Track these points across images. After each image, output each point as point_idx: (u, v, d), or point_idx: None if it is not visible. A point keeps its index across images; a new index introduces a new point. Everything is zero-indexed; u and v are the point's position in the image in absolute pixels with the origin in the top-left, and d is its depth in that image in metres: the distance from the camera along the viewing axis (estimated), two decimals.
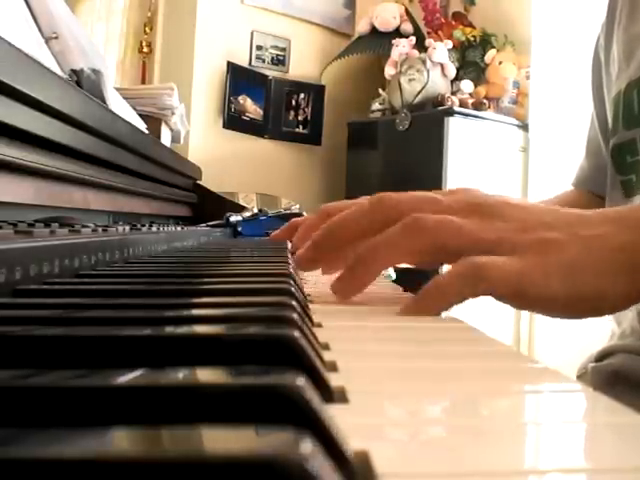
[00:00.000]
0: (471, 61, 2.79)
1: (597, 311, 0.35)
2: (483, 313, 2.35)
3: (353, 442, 0.13)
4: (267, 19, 2.92)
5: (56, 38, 0.79)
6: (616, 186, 0.68)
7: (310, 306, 0.36)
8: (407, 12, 3.00)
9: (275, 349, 0.18)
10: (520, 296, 0.33)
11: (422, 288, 0.35)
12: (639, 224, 0.35)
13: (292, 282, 0.35)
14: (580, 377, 0.71)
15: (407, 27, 2.95)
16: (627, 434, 0.16)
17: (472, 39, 2.79)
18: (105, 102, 0.84)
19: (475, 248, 0.34)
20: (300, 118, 3.04)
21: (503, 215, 0.36)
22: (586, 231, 0.35)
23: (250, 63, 2.89)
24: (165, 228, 0.76)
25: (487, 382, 0.21)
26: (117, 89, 1.20)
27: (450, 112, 2.49)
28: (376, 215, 0.39)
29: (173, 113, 1.69)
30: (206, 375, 0.17)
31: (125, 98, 1.19)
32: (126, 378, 0.15)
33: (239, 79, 2.83)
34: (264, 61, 2.94)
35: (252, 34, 2.89)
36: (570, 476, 0.13)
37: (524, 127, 2.63)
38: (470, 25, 2.90)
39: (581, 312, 0.35)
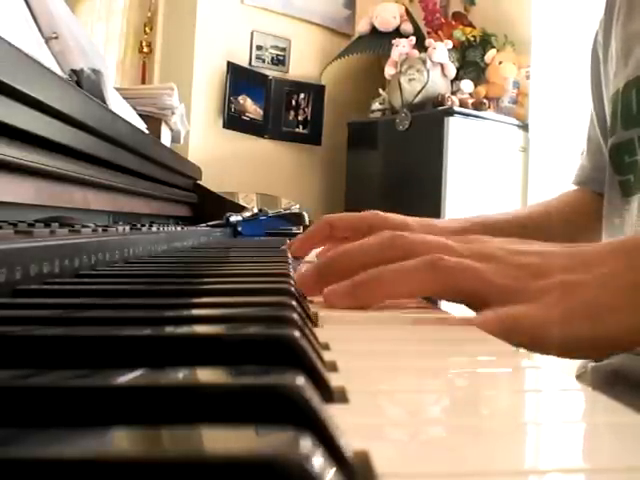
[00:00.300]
0: (471, 61, 2.79)
1: (620, 348, 0.35)
2: None
3: (353, 442, 0.13)
4: (267, 19, 2.92)
5: (56, 38, 0.79)
6: (614, 186, 0.68)
7: (310, 306, 0.36)
8: (407, 12, 3.00)
9: (275, 349, 0.18)
10: (548, 342, 0.32)
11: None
12: None
13: (292, 282, 0.35)
14: (579, 377, 0.70)
15: (407, 27, 2.95)
16: (627, 434, 0.16)
17: (472, 39, 2.79)
18: (105, 102, 0.84)
19: (492, 293, 0.34)
20: (300, 118, 3.04)
21: (519, 262, 0.35)
22: (600, 269, 0.34)
23: (250, 63, 2.89)
24: (165, 228, 0.76)
25: (487, 382, 0.21)
26: (117, 89, 1.20)
27: (450, 112, 2.49)
28: (386, 251, 0.37)
29: (173, 113, 1.69)
30: (206, 375, 0.17)
31: (125, 98, 1.19)
32: (126, 378, 0.15)
33: (239, 79, 2.83)
34: (264, 61, 2.94)
35: (252, 34, 2.89)
36: (570, 476, 0.13)
37: (524, 127, 2.63)
38: (470, 25, 2.90)
39: (606, 351, 0.35)
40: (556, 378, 0.21)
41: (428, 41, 2.71)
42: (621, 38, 0.69)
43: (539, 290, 0.33)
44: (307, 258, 0.72)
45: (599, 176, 0.74)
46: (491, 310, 0.33)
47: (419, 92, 2.62)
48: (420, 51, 2.68)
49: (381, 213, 0.60)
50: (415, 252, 0.36)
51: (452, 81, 2.71)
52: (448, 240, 0.38)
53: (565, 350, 0.33)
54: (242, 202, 1.60)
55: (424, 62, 2.63)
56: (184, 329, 0.22)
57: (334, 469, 0.11)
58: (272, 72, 2.95)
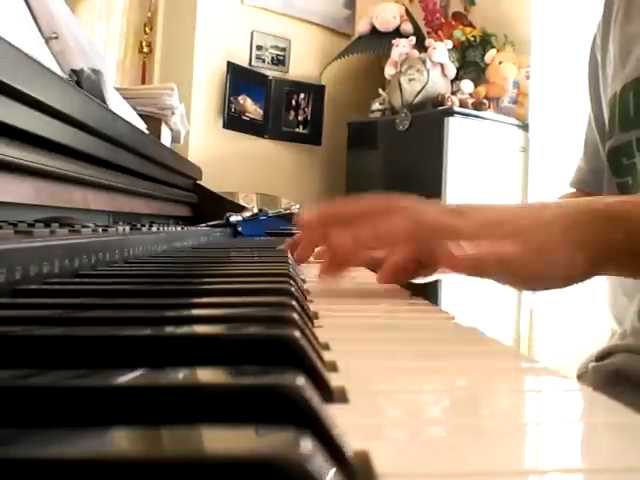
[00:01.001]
0: (471, 61, 2.79)
1: (570, 281, 0.42)
2: (483, 313, 2.35)
3: (353, 442, 0.13)
4: (267, 19, 2.92)
5: (56, 38, 0.79)
6: (612, 188, 0.68)
7: (310, 306, 0.36)
8: (407, 12, 3.00)
9: (275, 349, 0.18)
10: (511, 276, 0.41)
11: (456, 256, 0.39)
12: (580, 209, 0.43)
13: (292, 282, 0.35)
14: (580, 377, 0.70)
15: (407, 27, 2.95)
16: (626, 434, 0.16)
17: (472, 39, 2.79)
18: (105, 102, 0.84)
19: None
20: (300, 118, 3.04)
21: (485, 216, 0.43)
22: (545, 214, 0.42)
23: (250, 63, 2.89)
24: (165, 228, 0.76)
25: (487, 382, 0.21)
26: (117, 89, 1.20)
27: (450, 112, 2.49)
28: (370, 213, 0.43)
29: (173, 113, 1.69)
30: (206, 375, 0.17)
31: (125, 98, 1.19)
32: (126, 378, 0.15)
33: (239, 79, 2.83)
34: (264, 61, 2.94)
35: (252, 34, 2.89)
36: (570, 476, 0.13)
37: (524, 127, 2.63)
38: (470, 25, 2.90)
39: (557, 284, 0.42)
40: (556, 378, 0.21)
41: (428, 41, 2.71)
42: (619, 40, 0.69)
43: (502, 235, 0.40)
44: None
45: (595, 178, 0.75)
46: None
47: (419, 92, 2.62)
48: (420, 51, 2.68)
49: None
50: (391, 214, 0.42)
51: (452, 81, 2.71)
52: (418, 205, 0.44)
53: (533, 283, 0.42)
54: (242, 202, 1.60)
55: (424, 62, 2.63)
56: (184, 329, 0.22)
57: (334, 469, 0.11)
58: (272, 72, 2.95)
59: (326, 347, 0.25)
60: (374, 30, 2.97)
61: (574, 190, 0.82)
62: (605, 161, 0.69)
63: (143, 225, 0.73)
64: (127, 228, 0.61)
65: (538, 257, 0.40)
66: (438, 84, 2.64)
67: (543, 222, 0.41)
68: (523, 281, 0.41)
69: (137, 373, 0.15)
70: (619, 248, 0.42)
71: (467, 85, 2.69)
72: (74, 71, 0.79)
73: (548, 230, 0.41)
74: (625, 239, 0.42)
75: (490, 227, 0.41)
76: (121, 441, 0.12)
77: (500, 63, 2.71)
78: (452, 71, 2.68)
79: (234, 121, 2.83)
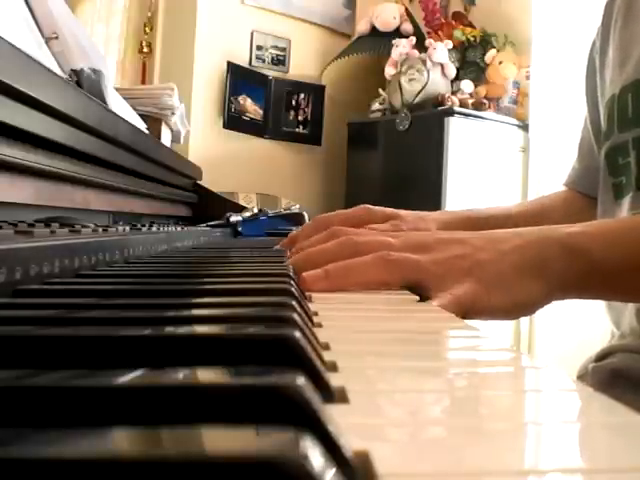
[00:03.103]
0: (471, 61, 2.79)
1: (529, 311, 0.44)
2: None
3: (353, 442, 0.13)
4: (267, 19, 2.92)
5: (56, 38, 0.79)
6: (607, 188, 0.69)
7: (310, 306, 0.36)
8: (407, 12, 3.00)
9: (275, 349, 0.18)
10: (483, 310, 0.42)
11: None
12: (539, 239, 0.45)
13: (292, 282, 0.35)
14: (580, 377, 0.71)
15: (407, 27, 2.95)
16: (627, 434, 0.16)
17: (472, 39, 2.79)
18: (105, 102, 0.84)
19: (430, 280, 0.42)
20: (300, 118, 3.04)
21: (446, 249, 0.44)
22: (503, 246, 0.44)
23: (250, 63, 2.89)
24: (165, 228, 0.76)
25: (487, 382, 0.21)
26: (117, 89, 1.20)
27: (450, 112, 2.49)
28: (342, 252, 0.46)
29: (173, 113, 1.69)
30: (206, 375, 0.17)
31: (125, 98, 1.19)
32: (126, 378, 0.15)
33: (239, 79, 2.83)
34: (264, 61, 2.94)
35: (252, 34, 2.89)
36: (570, 476, 0.13)
37: (524, 127, 2.63)
38: (470, 25, 2.90)
39: (517, 314, 0.44)
40: (556, 378, 0.21)
41: (428, 41, 2.71)
42: (618, 43, 0.70)
43: (462, 271, 0.42)
44: None
45: (588, 178, 0.76)
46: (440, 295, 0.41)
47: (419, 92, 2.62)
48: (420, 51, 2.68)
49: (372, 207, 0.62)
50: (363, 251, 0.44)
51: (452, 81, 2.71)
52: (387, 238, 0.47)
53: (494, 315, 0.43)
54: (242, 202, 1.60)
55: (424, 62, 2.63)
56: (184, 329, 0.22)
57: (334, 469, 0.11)
58: (272, 72, 2.95)
59: (326, 347, 0.25)
60: (374, 30, 2.97)
61: (566, 189, 0.83)
62: (602, 161, 0.70)
63: (143, 225, 0.73)
64: (127, 228, 0.61)
65: (494, 291, 0.42)
66: (438, 84, 2.64)
67: (501, 255, 0.43)
68: (486, 315, 0.42)
69: (137, 373, 0.15)
70: (578, 277, 0.44)
71: (467, 85, 2.69)
72: (74, 71, 0.79)
73: (504, 263, 0.43)
74: (585, 270, 0.44)
75: (451, 262, 0.43)
76: (121, 441, 0.12)
77: (500, 63, 2.71)
78: (452, 71, 2.68)
79: (234, 121, 2.83)
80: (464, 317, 0.40)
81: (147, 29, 2.73)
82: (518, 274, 0.42)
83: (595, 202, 0.72)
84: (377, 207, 0.69)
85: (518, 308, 0.43)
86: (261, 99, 2.92)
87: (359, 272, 0.43)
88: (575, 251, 0.44)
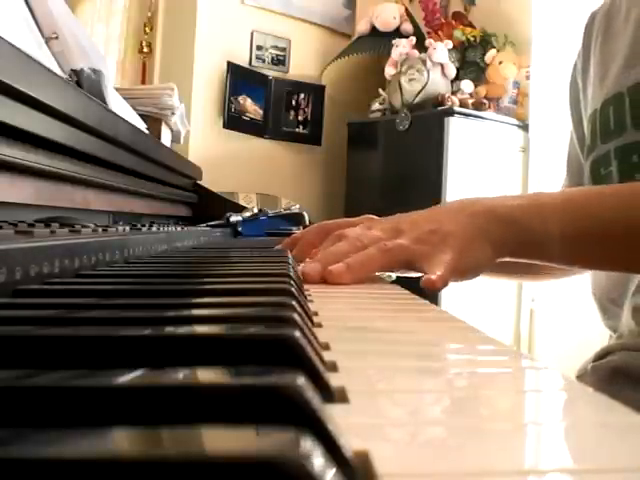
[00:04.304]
0: (471, 61, 2.79)
1: (483, 269, 0.52)
2: (483, 313, 2.35)
3: (353, 442, 0.13)
4: (267, 19, 2.92)
5: (56, 38, 0.79)
6: None
7: (310, 306, 0.36)
8: (407, 12, 3.00)
9: (275, 349, 0.18)
10: (464, 272, 0.50)
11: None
12: (484, 209, 0.52)
13: (292, 282, 0.35)
14: (580, 377, 0.71)
15: (407, 27, 2.95)
16: (627, 434, 0.16)
17: (472, 39, 2.79)
18: (105, 102, 0.84)
19: (416, 256, 0.50)
20: (300, 118, 3.04)
21: (418, 228, 0.52)
22: (460, 216, 0.51)
23: (250, 63, 2.89)
24: (165, 228, 0.76)
25: (487, 382, 0.21)
26: (117, 89, 1.20)
27: (450, 112, 2.49)
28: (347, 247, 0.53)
29: (173, 113, 1.69)
30: (206, 375, 0.17)
31: (125, 98, 1.19)
32: (126, 378, 0.15)
33: (239, 79, 2.83)
34: (264, 61, 2.94)
35: (252, 34, 2.89)
36: (570, 476, 0.13)
37: (524, 127, 2.63)
38: (470, 25, 2.90)
39: (477, 273, 0.52)
40: (556, 378, 0.21)
41: (428, 41, 2.71)
42: (599, 59, 0.72)
43: (440, 243, 0.49)
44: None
45: None
46: (434, 266, 0.47)
47: (419, 92, 2.62)
48: (420, 51, 2.68)
49: (376, 218, 0.64)
50: (364, 243, 0.52)
51: (452, 81, 2.71)
52: (372, 230, 0.54)
53: (467, 275, 0.51)
54: (242, 202, 1.60)
55: (424, 62, 2.63)
56: (184, 329, 0.22)
57: (334, 469, 0.11)
58: (272, 72, 2.95)
59: (326, 347, 0.25)
60: (374, 30, 2.97)
61: None
62: (587, 175, 0.70)
63: (143, 225, 0.73)
64: (127, 228, 0.61)
65: (465, 254, 0.49)
66: (438, 84, 2.64)
67: (462, 225, 0.51)
68: (467, 275, 0.51)
69: (137, 373, 0.15)
70: (516, 243, 0.52)
71: (467, 85, 2.69)
72: (74, 71, 0.79)
73: (466, 231, 0.50)
74: (520, 238, 0.52)
75: (427, 237, 0.50)
76: (121, 441, 0.12)
77: (500, 63, 2.71)
78: (452, 71, 2.68)
79: (234, 121, 2.83)
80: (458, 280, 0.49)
81: (147, 29, 2.73)
82: (476, 239, 0.50)
83: None
84: (379, 218, 0.70)
85: (480, 267, 0.52)
86: (261, 99, 2.91)
87: (370, 263, 0.50)
88: (506, 221, 0.51)
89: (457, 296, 2.24)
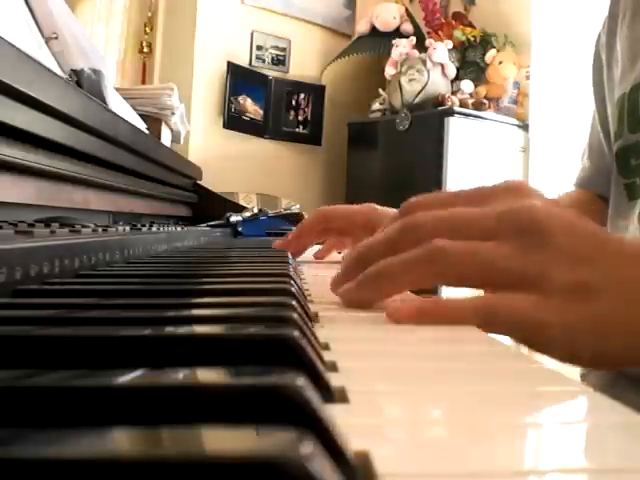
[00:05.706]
0: (471, 61, 2.79)
1: (620, 366, 0.33)
2: None
3: (353, 442, 0.13)
4: (267, 19, 2.92)
5: (56, 38, 0.79)
6: (620, 189, 0.68)
7: (310, 306, 0.36)
8: (407, 12, 3.00)
9: (275, 349, 0.18)
10: (547, 345, 0.30)
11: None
12: None
13: (292, 282, 0.35)
14: (583, 377, 0.70)
15: (407, 27, 2.95)
16: (628, 434, 0.16)
17: (472, 39, 2.79)
18: (105, 102, 0.84)
19: (499, 278, 0.31)
20: (300, 118, 3.04)
21: (548, 243, 0.31)
22: (624, 273, 0.31)
23: (250, 63, 2.89)
24: (165, 228, 0.76)
25: (487, 382, 0.21)
26: (117, 89, 1.20)
27: (450, 112, 2.49)
28: (403, 239, 0.34)
29: (173, 113, 1.69)
30: (206, 375, 0.17)
31: (125, 98, 1.19)
32: (126, 378, 0.15)
33: (239, 79, 2.83)
34: (264, 61, 2.94)
35: (252, 34, 2.89)
36: (570, 476, 0.13)
37: (524, 127, 2.63)
38: (470, 25, 2.90)
39: (603, 367, 0.34)
40: (557, 378, 0.21)
41: (428, 41, 2.71)
42: (627, 40, 0.68)
43: (551, 283, 0.30)
44: (303, 257, 0.72)
45: (601, 178, 0.74)
46: (488, 296, 0.31)
47: (419, 92, 2.62)
48: (420, 51, 2.68)
49: (378, 207, 0.62)
50: (428, 234, 0.33)
51: (452, 81, 2.71)
52: (460, 213, 0.34)
53: (563, 360, 0.30)
54: (242, 202, 1.60)
55: (424, 62, 2.63)
56: (184, 329, 0.22)
57: (334, 469, 0.11)
58: (272, 72, 2.95)
59: (326, 347, 0.25)
60: (374, 30, 2.97)
61: (577, 190, 0.81)
62: (612, 161, 0.68)
63: (143, 225, 0.73)
64: (127, 228, 0.61)
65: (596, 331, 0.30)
66: (438, 84, 2.64)
67: (626, 305, 0.30)
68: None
69: (137, 373, 0.15)
70: None
71: (467, 85, 2.69)
72: (74, 71, 0.79)
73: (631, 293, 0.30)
74: None
75: (572, 290, 0.30)
76: (121, 441, 0.12)
77: (500, 63, 2.71)
78: (452, 71, 2.68)
79: (234, 121, 2.83)
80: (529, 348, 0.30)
81: (147, 29, 2.73)
82: (630, 319, 0.30)
83: (607, 202, 0.71)
84: (384, 208, 0.68)
85: (610, 360, 0.31)
86: (261, 99, 2.92)
87: (399, 276, 0.34)
88: None
89: (457, 293, 2.23)
